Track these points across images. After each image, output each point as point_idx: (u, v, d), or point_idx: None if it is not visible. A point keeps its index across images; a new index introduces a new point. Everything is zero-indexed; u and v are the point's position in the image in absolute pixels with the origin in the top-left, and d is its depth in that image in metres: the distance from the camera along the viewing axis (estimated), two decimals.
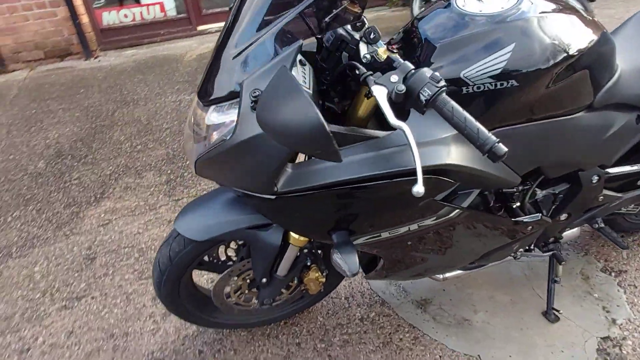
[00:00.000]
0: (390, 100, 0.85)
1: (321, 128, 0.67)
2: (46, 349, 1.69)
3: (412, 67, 0.87)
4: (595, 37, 1.08)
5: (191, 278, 1.43)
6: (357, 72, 0.91)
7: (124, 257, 2.08)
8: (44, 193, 2.58)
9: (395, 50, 0.94)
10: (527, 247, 1.52)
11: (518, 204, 1.31)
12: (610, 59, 1.16)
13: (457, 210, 1.09)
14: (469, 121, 0.81)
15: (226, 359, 1.59)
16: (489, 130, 1.03)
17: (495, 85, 0.98)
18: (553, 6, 1.07)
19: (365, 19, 0.99)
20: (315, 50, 1.09)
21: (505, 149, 0.79)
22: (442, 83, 0.83)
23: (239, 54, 0.92)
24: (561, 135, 1.16)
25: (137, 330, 1.72)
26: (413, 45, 1.08)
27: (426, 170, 0.95)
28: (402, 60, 0.89)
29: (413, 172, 0.92)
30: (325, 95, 1.07)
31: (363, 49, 0.99)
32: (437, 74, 0.84)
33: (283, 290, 1.53)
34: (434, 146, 0.96)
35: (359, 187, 0.94)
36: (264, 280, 1.33)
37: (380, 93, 0.85)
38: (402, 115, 0.93)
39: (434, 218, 1.08)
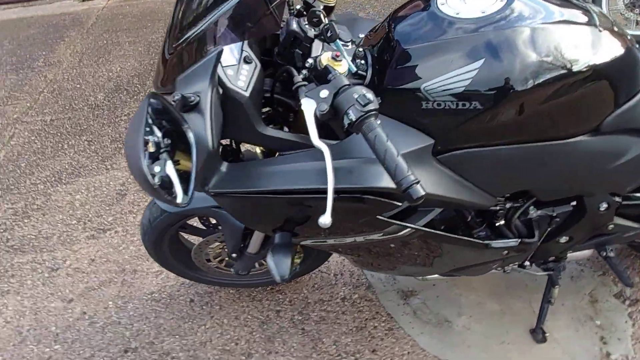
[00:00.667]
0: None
1: (141, 171, 0.64)
2: (71, 271, 1.95)
3: (345, 83, 0.79)
4: (610, 54, 0.89)
5: (177, 237, 1.53)
6: (293, 78, 0.85)
7: (149, 198, 2.26)
8: (97, 125, 2.82)
9: (340, 59, 0.85)
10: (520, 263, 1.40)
11: (502, 222, 1.19)
12: (630, 78, 0.96)
13: (408, 229, 1.02)
14: (389, 154, 0.74)
15: (211, 312, 1.72)
16: (460, 149, 0.95)
17: (457, 104, 0.86)
18: (564, 14, 0.88)
19: (322, 15, 0.90)
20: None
21: (422, 193, 0.71)
22: (370, 107, 0.75)
23: (177, 47, 0.89)
24: (553, 159, 1.01)
25: (144, 270, 1.91)
26: (388, 42, 0.97)
27: (365, 191, 0.90)
28: (338, 73, 0.81)
29: (343, 191, 0.88)
30: (286, 92, 1.02)
31: (317, 48, 0.91)
32: (368, 95, 0.75)
33: (264, 261, 1.58)
34: (377, 165, 0.89)
35: (292, 197, 0.92)
36: (234, 255, 1.38)
37: (308, 107, 0.80)
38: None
39: (380, 234, 1.03)
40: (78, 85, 3.24)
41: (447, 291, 1.68)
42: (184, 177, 0.72)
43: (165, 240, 1.45)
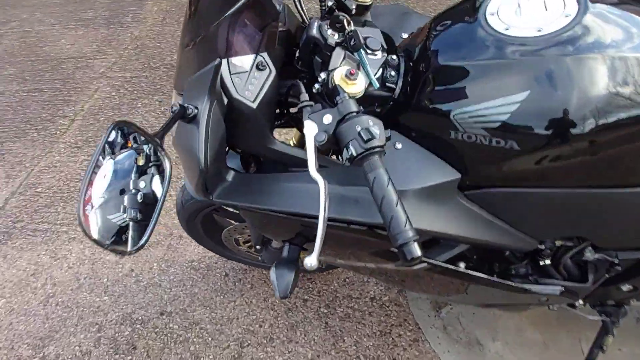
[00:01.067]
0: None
1: (79, 219, 0.61)
2: None
3: (351, 110, 0.69)
4: None
5: (211, 217, 1.55)
6: (300, 96, 0.77)
7: None
8: (169, 86, 2.93)
9: (354, 77, 0.73)
10: None
11: (548, 262, 1.04)
12: None
13: (425, 264, 0.92)
14: (386, 201, 0.64)
15: (242, 290, 1.76)
16: (493, 187, 0.81)
17: (490, 141, 0.72)
18: None
19: (345, 20, 0.79)
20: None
21: (418, 254, 0.62)
22: (373, 144, 0.65)
23: (189, 46, 0.84)
24: (619, 209, 0.84)
25: (189, 237, 1.98)
26: (425, 52, 0.83)
27: (372, 225, 0.81)
28: (346, 97, 0.71)
29: (348, 222, 0.81)
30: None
31: (338, 57, 0.80)
32: (373, 129, 0.66)
33: None
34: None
35: (298, 219, 0.85)
36: (258, 247, 1.37)
37: (310, 131, 0.71)
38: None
39: (393, 265, 0.94)
40: (158, 44, 3.36)
41: (486, 310, 1.55)
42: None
43: (198, 220, 1.47)
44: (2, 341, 1.73)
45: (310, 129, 0.71)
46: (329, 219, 0.81)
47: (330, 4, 0.89)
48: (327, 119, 0.70)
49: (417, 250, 0.62)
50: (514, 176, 0.77)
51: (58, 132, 2.73)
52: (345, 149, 0.67)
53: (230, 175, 0.89)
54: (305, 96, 0.77)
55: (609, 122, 0.69)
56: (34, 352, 1.70)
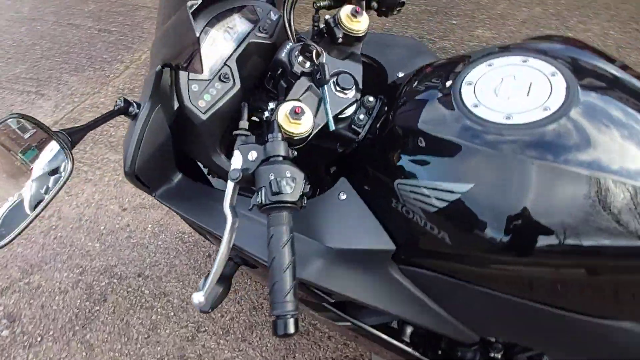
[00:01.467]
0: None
1: None
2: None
3: (275, 153, 0.63)
4: None
5: None
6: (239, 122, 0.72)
7: None
8: None
9: (299, 117, 0.66)
10: None
11: (498, 356, 0.93)
12: None
13: (349, 323, 0.85)
14: (276, 263, 0.59)
15: None
16: (431, 270, 0.73)
17: (425, 224, 0.64)
18: None
19: (315, 51, 0.72)
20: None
21: (291, 331, 0.57)
22: (280, 198, 0.60)
23: (155, 42, 0.81)
24: (580, 337, 0.72)
25: None
26: (396, 103, 0.75)
27: None
28: (278, 138, 0.65)
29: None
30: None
31: (300, 87, 0.74)
32: (283, 183, 0.60)
33: None
34: (308, 249, 0.72)
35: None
36: None
37: (235, 163, 0.67)
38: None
39: (316, 313, 0.88)
40: None
41: None
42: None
43: None
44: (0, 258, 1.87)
45: (237, 160, 0.67)
46: (253, 254, 0.78)
47: (321, 26, 0.82)
48: (252, 155, 0.65)
49: (290, 327, 0.56)
50: (448, 267, 0.68)
51: (111, 75, 2.86)
52: (257, 194, 0.62)
53: (176, 178, 0.87)
54: (244, 123, 0.72)
55: (570, 244, 0.58)
56: (21, 275, 1.82)
